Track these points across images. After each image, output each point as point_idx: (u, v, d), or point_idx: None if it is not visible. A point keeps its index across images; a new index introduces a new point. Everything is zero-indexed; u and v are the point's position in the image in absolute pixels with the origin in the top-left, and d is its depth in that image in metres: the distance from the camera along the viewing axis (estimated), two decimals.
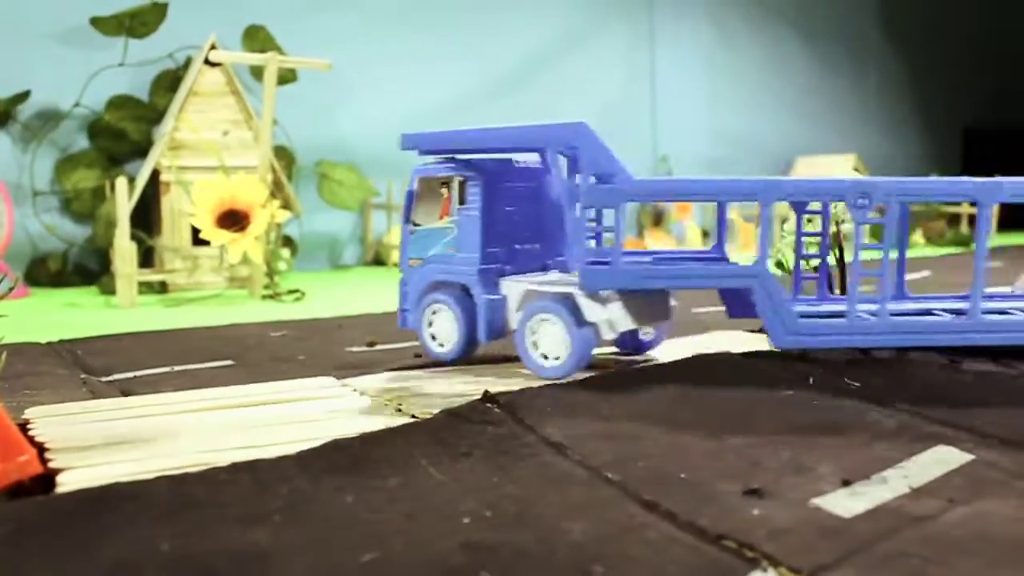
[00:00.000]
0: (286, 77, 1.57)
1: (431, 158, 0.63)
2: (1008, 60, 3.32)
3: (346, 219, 1.80)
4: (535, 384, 0.54)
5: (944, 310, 0.62)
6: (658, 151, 2.33)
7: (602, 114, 2.26)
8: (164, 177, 1.35)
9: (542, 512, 0.34)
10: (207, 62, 1.39)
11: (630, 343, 0.66)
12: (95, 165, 1.50)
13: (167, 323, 0.95)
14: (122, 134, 1.51)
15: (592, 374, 0.57)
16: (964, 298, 0.65)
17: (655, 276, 0.57)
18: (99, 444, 0.44)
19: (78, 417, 0.50)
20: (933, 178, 0.59)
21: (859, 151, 2.45)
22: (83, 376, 0.66)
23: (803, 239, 0.68)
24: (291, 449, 0.41)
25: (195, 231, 1.26)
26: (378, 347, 0.75)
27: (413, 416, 0.49)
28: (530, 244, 0.64)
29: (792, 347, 0.57)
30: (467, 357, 0.63)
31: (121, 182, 1.17)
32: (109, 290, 1.27)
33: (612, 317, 0.57)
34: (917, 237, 2.19)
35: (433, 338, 0.63)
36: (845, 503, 0.35)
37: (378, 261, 1.77)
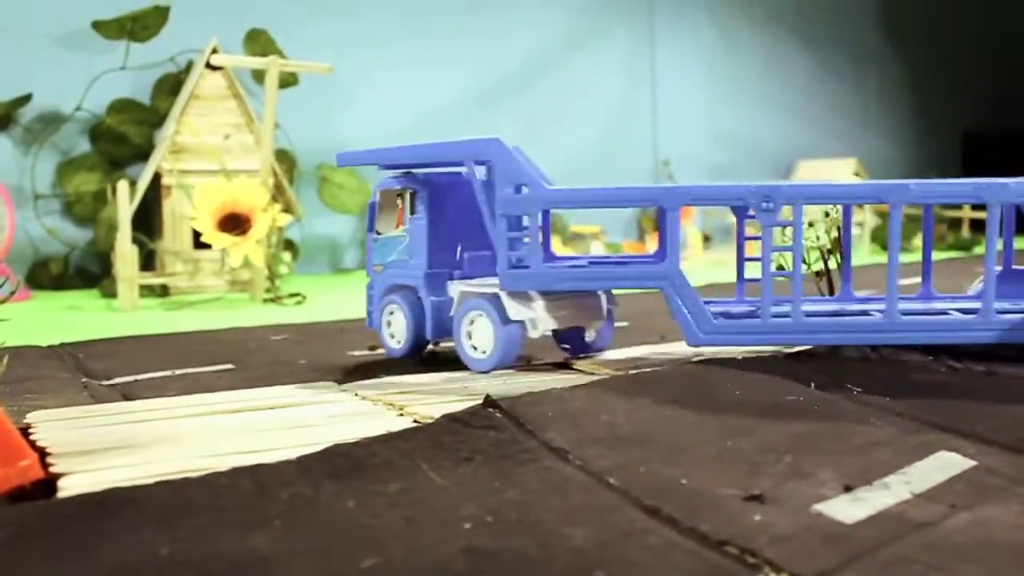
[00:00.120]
0: (287, 81, 1.57)
1: (392, 172, 0.69)
2: (1008, 64, 3.32)
3: (347, 223, 1.80)
4: (537, 389, 0.54)
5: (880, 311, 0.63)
6: (659, 155, 2.33)
7: (603, 118, 2.26)
8: (165, 181, 1.35)
9: (543, 517, 0.34)
10: (208, 66, 1.39)
11: (577, 344, 0.69)
12: (96, 168, 1.50)
13: (168, 327, 0.95)
14: (123, 138, 1.51)
15: (594, 379, 0.57)
16: (914, 299, 0.67)
17: (566, 278, 0.61)
18: (100, 448, 0.44)
19: (80, 421, 0.50)
20: (838, 181, 0.62)
21: (860, 155, 2.45)
22: (84, 380, 0.66)
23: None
24: (292, 454, 0.41)
25: (196, 234, 1.26)
26: (379, 351, 0.75)
27: (414, 421, 0.49)
28: (481, 250, 0.67)
29: (706, 345, 0.60)
30: (417, 353, 0.69)
31: (122, 186, 1.17)
32: (110, 293, 1.27)
33: (536, 316, 0.62)
34: (917, 241, 2.19)
35: (392, 336, 0.69)
36: (847, 509, 0.35)
37: None
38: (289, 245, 1.57)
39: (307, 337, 0.86)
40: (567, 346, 0.70)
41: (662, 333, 0.81)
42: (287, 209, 1.37)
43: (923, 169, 2.86)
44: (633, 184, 0.65)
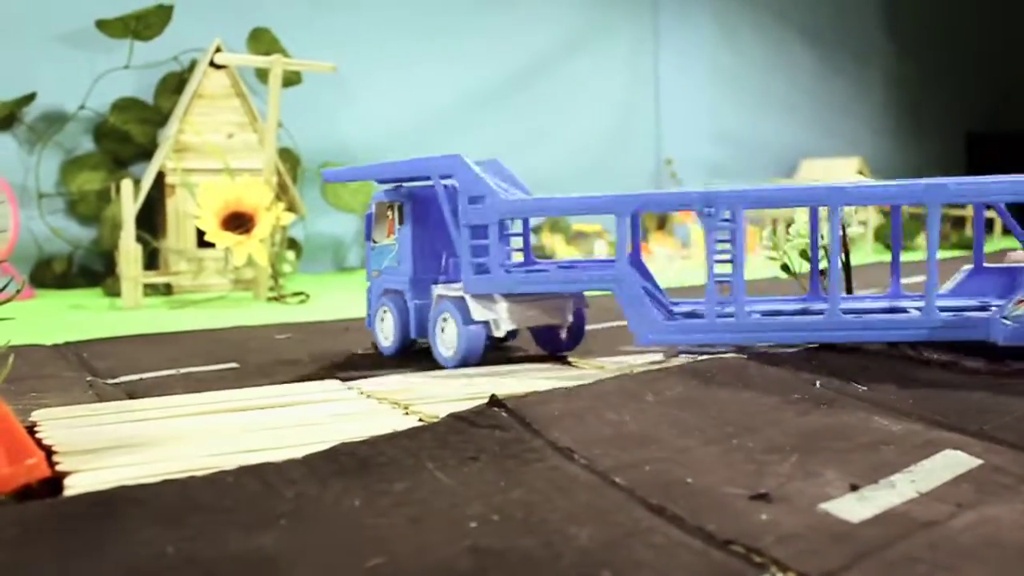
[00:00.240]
0: (291, 80, 1.57)
1: (386, 185, 0.75)
2: (1012, 64, 3.31)
3: (350, 221, 1.80)
4: (542, 388, 0.54)
5: (846, 310, 0.64)
6: (662, 154, 2.33)
7: (606, 116, 2.26)
8: (169, 179, 1.35)
9: (549, 517, 0.34)
10: (212, 64, 1.39)
11: (549, 342, 0.73)
12: (100, 167, 1.50)
13: (172, 325, 0.96)
14: (127, 136, 1.51)
15: (598, 379, 0.57)
16: (880, 298, 0.70)
17: (523, 282, 0.65)
18: (106, 447, 0.44)
19: (85, 420, 0.50)
20: (777, 184, 0.63)
21: (863, 154, 2.45)
22: (89, 378, 0.66)
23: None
24: (297, 453, 0.41)
25: (200, 233, 1.26)
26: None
27: (420, 420, 0.49)
28: None
29: (654, 345, 0.64)
30: (404, 351, 0.73)
31: (126, 184, 1.17)
32: (114, 292, 1.27)
33: (498, 317, 0.66)
34: (920, 240, 2.18)
35: (384, 336, 0.74)
36: (853, 508, 0.35)
37: None
38: (292, 244, 1.57)
39: (311, 336, 0.86)
40: (541, 343, 0.75)
41: None
42: (290, 208, 1.38)
43: (927, 169, 2.86)
44: (632, 188, 0.67)
